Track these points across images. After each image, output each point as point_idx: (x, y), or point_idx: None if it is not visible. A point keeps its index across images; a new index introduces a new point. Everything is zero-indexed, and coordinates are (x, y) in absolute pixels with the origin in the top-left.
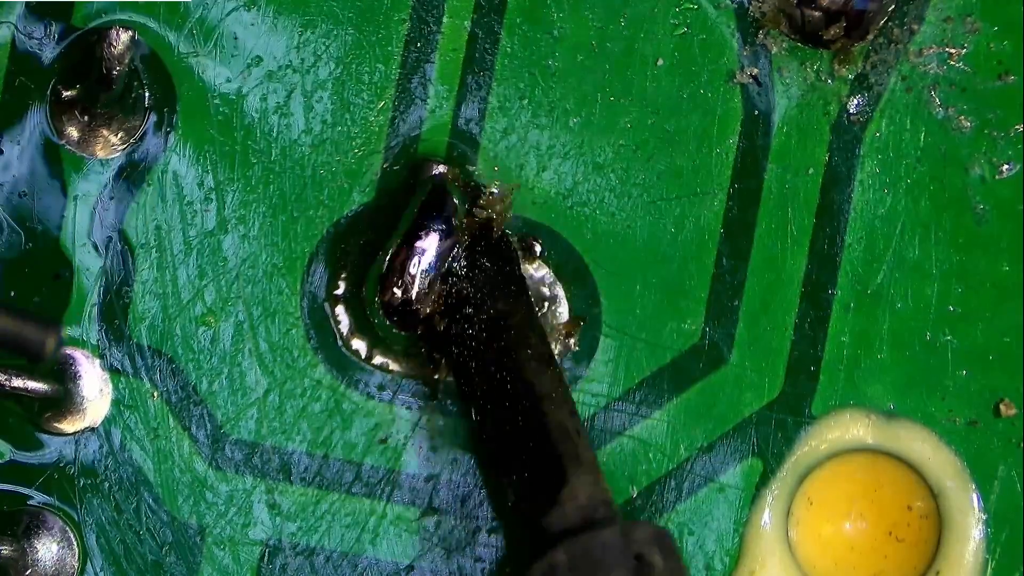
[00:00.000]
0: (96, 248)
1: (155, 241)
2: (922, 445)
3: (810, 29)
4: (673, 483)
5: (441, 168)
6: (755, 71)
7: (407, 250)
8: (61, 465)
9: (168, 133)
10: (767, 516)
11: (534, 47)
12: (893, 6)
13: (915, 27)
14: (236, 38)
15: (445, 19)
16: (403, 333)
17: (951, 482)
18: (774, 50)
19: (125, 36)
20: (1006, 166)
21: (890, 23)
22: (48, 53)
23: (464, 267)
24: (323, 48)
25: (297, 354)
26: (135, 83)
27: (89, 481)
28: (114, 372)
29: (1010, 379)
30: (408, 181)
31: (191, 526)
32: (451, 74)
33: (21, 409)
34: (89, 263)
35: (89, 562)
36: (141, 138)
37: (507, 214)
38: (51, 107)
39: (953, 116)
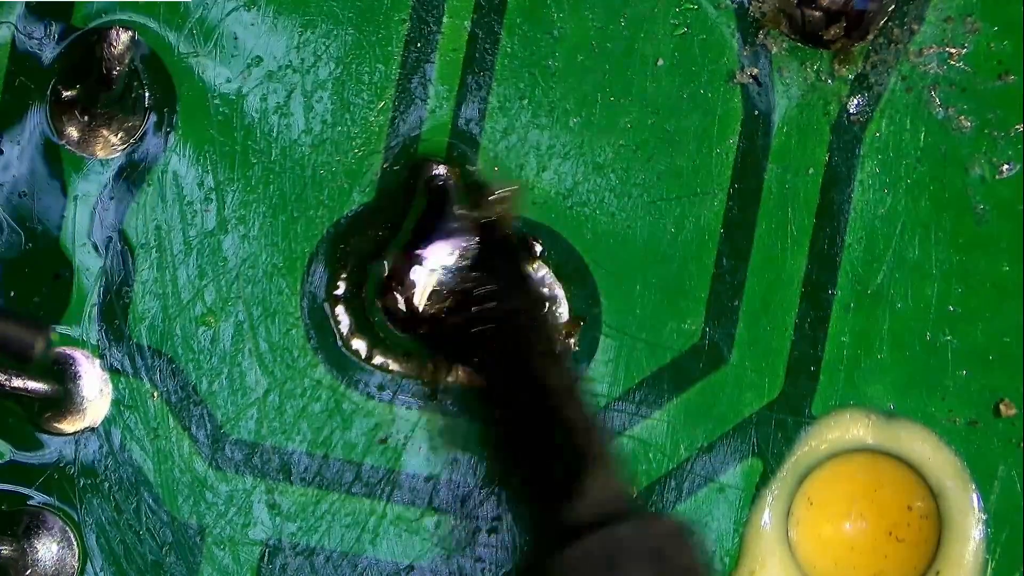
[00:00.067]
0: (96, 248)
1: (155, 241)
2: (922, 445)
3: (810, 29)
4: (673, 483)
5: (441, 168)
6: (755, 71)
7: (409, 255)
8: (61, 465)
9: (168, 133)
10: (767, 516)
11: (534, 47)
12: (893, 6)
13: (915, 27)
14: (236, 38)
15: (445, 19)
16: (404, 335)
17: (951, 482)
18: (774, 50)
19: (125, 36)
20: (1006, 166)
21: (890, 23)
22: (48, 53)
23: (471, 266)
24: (323, 48)
25: (297, 354)
26: (135, 83)
27: (89, 481)
28: (114, 372)
29: (1010, 379)
30: (408, 181)
31: (191, 526)
32: (451, 74)
33: (21, 409)
34: (89, 263)
35: (89, 562)
36: (141, 138)
37: (512, 213)
38: (51, 107)
39: (953, 116)
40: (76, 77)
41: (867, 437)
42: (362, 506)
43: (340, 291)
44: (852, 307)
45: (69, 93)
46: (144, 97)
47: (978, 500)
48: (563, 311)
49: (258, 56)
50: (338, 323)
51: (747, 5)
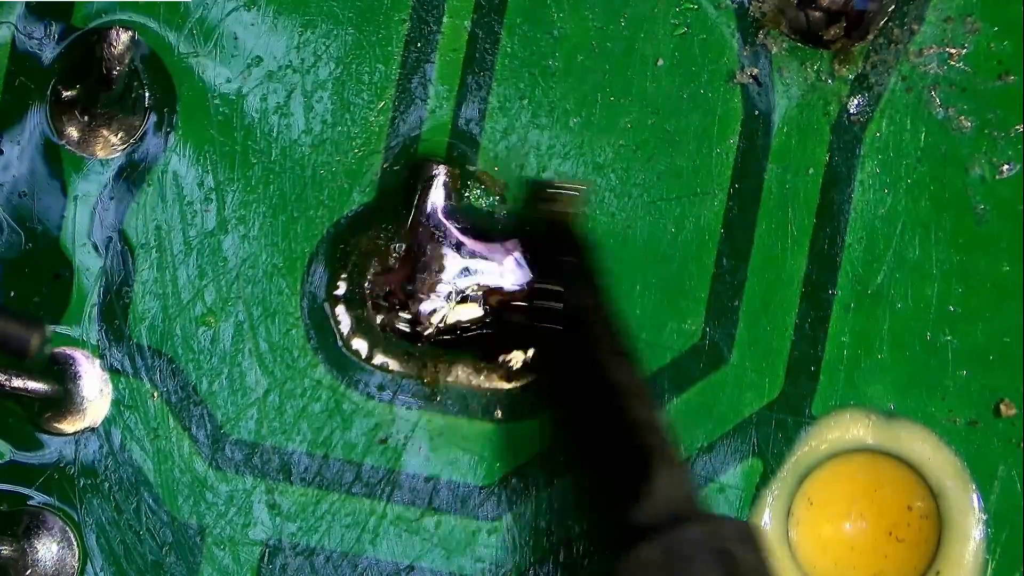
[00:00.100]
0: (96, 248)
1: (155, 241)
2: (922, 445)
3: (811, 29)
4: None
5: (441, 168)
6: (755, 71)
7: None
8: (61, 465)
9: (168, 133)
10: (767, 516)
11: (534, 47)
12: (893, 6)
13: (915, 27)
14: (236, 38)
15: (445, 19)
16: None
17: (951, 482)
18: (774, 50)
19: (125, 36)
20: (1006, 166)
21: (890, 23)
22: (48, 53)
23: (539, 266)
24: (323, 48)
25: (297, 354)
26: (135, 83)
27: (89, 481)
28: (114, 372)
29: (1010, 379)
30: (408, 181)
31: (191, 526)
32: (451, 74)
33: (21, 409)
34: (89, 263)
35: (89, 562)
36: (141, 138)
37: (579, 211)
38: (51, 107)
39: (953, 116)
40: (76, 77)
41: (867, 437)
42: (362, 506)
43: (340, 291)
44: (852, 307)
45: (69, 93)
46: (144, 97)
47: (978, 500)
48: None
49: (258, 56)
50: (338, 323)
51: (747, 5)
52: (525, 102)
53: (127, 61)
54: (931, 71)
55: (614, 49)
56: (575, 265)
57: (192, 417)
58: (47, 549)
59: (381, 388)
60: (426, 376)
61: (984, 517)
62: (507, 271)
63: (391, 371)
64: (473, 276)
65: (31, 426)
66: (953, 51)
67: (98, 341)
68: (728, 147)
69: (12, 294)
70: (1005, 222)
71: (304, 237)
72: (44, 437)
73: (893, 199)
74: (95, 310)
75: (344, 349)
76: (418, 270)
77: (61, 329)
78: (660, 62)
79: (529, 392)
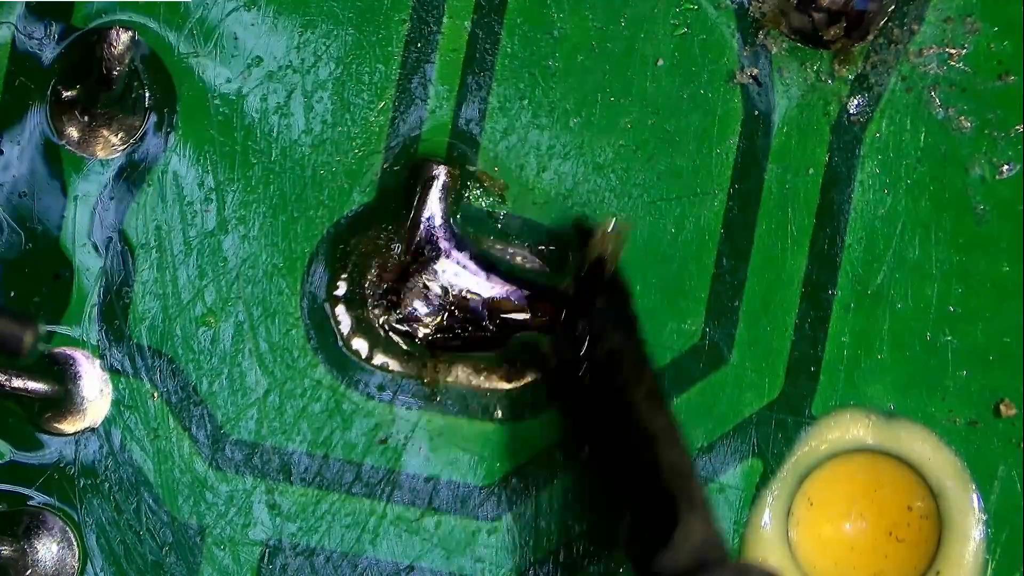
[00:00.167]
0: (96, 248)
1: (155, 241)
2: (922, 445)
3: (811, 29)
4: None
5: (442, 168)
6: (755, 71)
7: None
8: (61, 465)
9: (168, 133)
10: (767, 516)
11: (534, 47)
12: (893, 6)
13: (915, 27)
14: (236, 38)
15: (445, 19)
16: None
17: (951, 482)
18: (774, 50)
19: (125, 36)
20: (1006, 166)
21: (890, 23)
22: (48, 53)
23: (579, 305)
24: (323, 48)
25: (297, 354)
26: (135, 83)
27: (89, 481)
28: (114, 372)
29: (1010, 379)
30: (408, 181)
31: (191, 526)
32: (451, 74)
33: (21, 409)
34: (89, 263)
35: (89, 562)
36: (141, 138)
37: (620, 253)
38: (51, 107)
39: (953, 116)
40: (76, 77)
41: (867, 437)
42: (362, 506)
43: (340, 291)
44: (852, 307)
45: (69, 93)
46: (144, 97)
47: (978, 500)
48: None
49: (258, 56)
50: (338, 323)
51: (747, 5)
52: (525, 102)
53: (127, 61)
54: (931, 71)
55: (614, 49)
56: (610, 307)
57: (192, 417)
58: (47, 549)
59: (381, 388)
60: (426, 376)
61: (984, 517)
62: (495, 284)
63: (391, 371)
64: (468, 280)
65: (31, 426)
66: (953, 51)
67: (98, 341)
68: (728, 147)
69: (12, 294)
70: (1005, 222)
71: (304, 237)
72: (44, 437)
73: (893, 199)
74: (95, 310)
75: (344, 349)
76: (414, 270)
77: (61, 329)
78: (660, 62)
79: (529, 392)
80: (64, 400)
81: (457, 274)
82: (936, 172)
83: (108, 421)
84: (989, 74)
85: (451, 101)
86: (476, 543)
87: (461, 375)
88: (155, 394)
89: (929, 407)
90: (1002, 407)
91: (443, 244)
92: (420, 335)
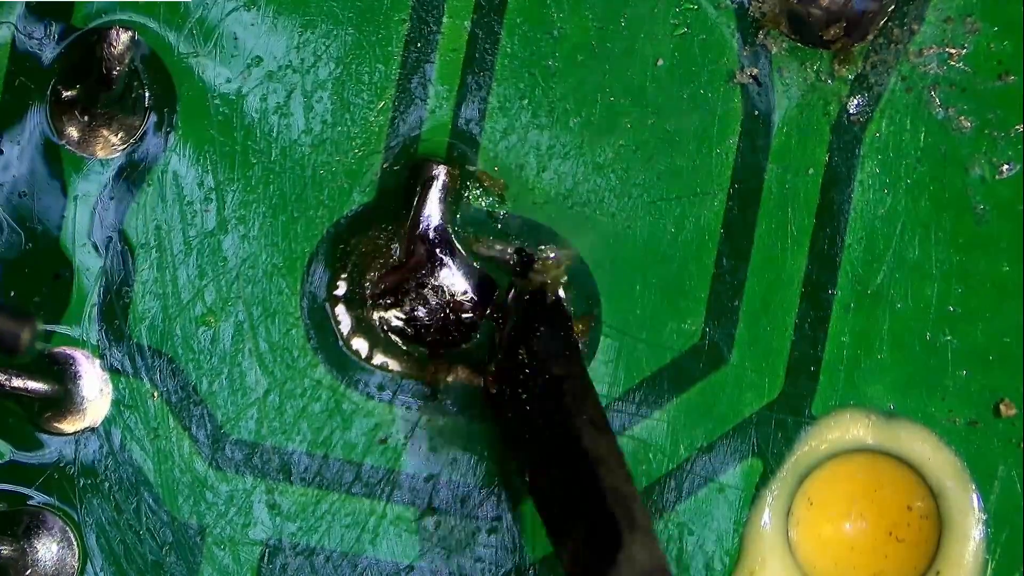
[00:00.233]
0: (96, 248)
1: (155, 241)
2: (922, 445)
3: (811, 29)
4: (673, 483)
5: (441, 168)
6: (755, 71)
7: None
8: (61, 465)
9: (168, 133)
10: (767, 516)
11: (534, 47)
12: (893, 6)
13: (915, 27)
14: (236, 38)
15: (445, 19)
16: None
17: (951, 482)
18: (774, 50)
19: (125, 36)
20: (1006, 166)
21: (890, 23)
22: (48, 53)
23: (518, 335)
24: (323, 48)
25: (297, 354)
26: (135, 83)
27: (89, 481)
28: (114, 372)
29: (1010, 379)
30: (408, 181)
31: (191, 526)
32: (451, 74)
33: (21, 409)
34: (89, 263)
35: (89, 562)
36: (141, 138)
37: (562, 279)
38: (51, 107)
39: (953, 116)
40: (76, 77)
41: (867, 437)
42: (362, 506)
43: (340, 291)
44: (852, 307)
45: (69, 93)
46: (144, 97)
47: (978, 500)
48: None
49: (258, 56)
50: (338, 323)
51: (747, 5)
52: (525, 102)
53: (127, 61)
54: (931, 71)
55: (614, 49)
56: (553, 334)
57: (192, 417)
58: (47, 549)
59: (381, 388)
60: (426, 376)
61: (984, 517)
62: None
63: (391, 371)
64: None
65: (31, 426)
66: (953, 51)
67: (98, 341)
68: (728, 147)
69: (12, 294)
70: (1005, 222)
71: (304, 237)
72: (44, 437)
73: (893, 199)
74: (95, 310)
75: (344, 349)
76: (414, 270)
77: (61, 329)
78: (660, 62)
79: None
80: (64, 400)
81: (456, 275)
82: (936, 172)
83: (108, 421)
84: (989, 74)
85: (451, 101)
86: (476, 543)
87: (461, 375)
88: (155, 394)
89: (929, 407)
90: (1002, 407)
91: (443, 244)
92: (420, 335)
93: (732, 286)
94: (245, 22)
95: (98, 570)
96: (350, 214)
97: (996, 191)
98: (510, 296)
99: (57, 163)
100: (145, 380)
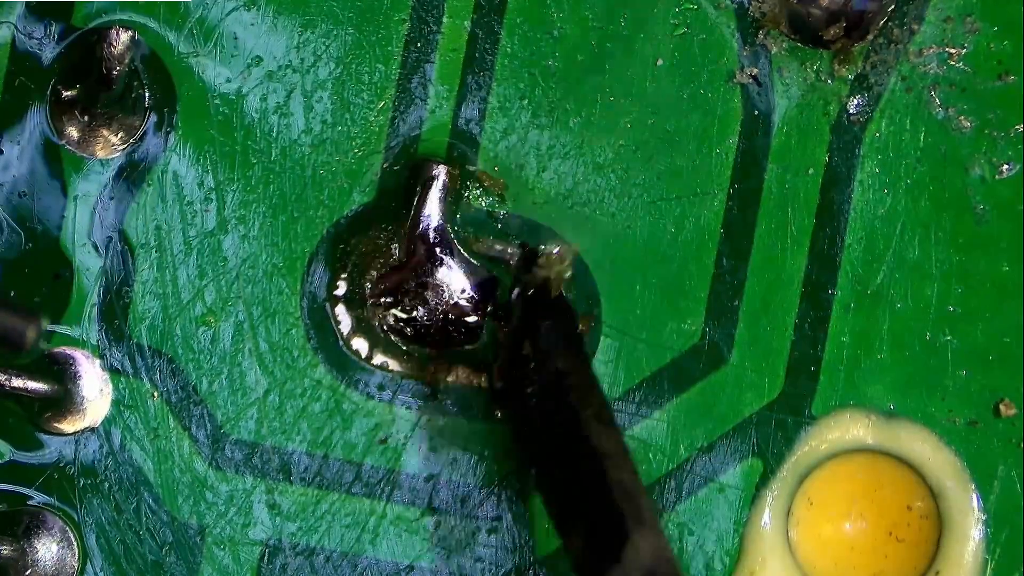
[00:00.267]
0: (96, 248)
1: (155, 241)
2: (922, 445)
3: (811, 29)
4: (673, 483)
5: (442, 168)
6: (755, 71)
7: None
8: (61, 465)
9: (168, 133)
10: (767, 516)
11: (534, 47)
12: (893, 6)
13: (915, 27)
14: (236, 38)
15: (445, 19)
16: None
17: (951, 482)
18: (774, 50)
19: (125, 36)
20: (1006, 166)
21: (890, 23)
22: (48, 53)
23: (521, 329)
24: (323, 48)
25: (297, 354)
26: (135, 83)
27: (89, 481)
28: (114, 372)
29: (1010, 379)
30: (408, 181)
31: (191, 526)
32: (451, 74)
33: (21, 409)
34: (89, 263)
35: (89, 562)
36: (141, 138)
37: (566, 274)
38: (51, 107)
39: (953, 116)
40: (76, 77)
41: (867, 437)
42: (362, 506)
43: (340, 291)
44: (852, 307)
45: (69, 93)
46: (144, 97)
47: (978, 500)
48: None
49: (258, 56)
50: (338, 323)
51: (747, 5)
52: (525, 102)
53: (127, 61)
54: (931, 71)
55: (614, 49)
56: (556, 329)
57: (192, 417)
58: (47, 549)
59: (381, 388)
60: (426, 376)
61: (984, 517)
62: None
63: (391, 371)
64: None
65: (31, 426)
66: (953, 51)
67: (98, 341)
68: (728, 147)
69: (12, 294)
70: (1005, 222)
71: (304, 237)
72: (44, 437)
73: (893, 199)
74: (95, 310)
75: (344, 349)
76: (413, 270)
77: (61, 329)
78: (660, 62)
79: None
80: (64, 400)
81: (456, 274)
82: (936, 172)
83: (108, 421)
84: (989, 74)
85: (451, 101)
86: (476, 543)
87: (461, 375)
88: (155, 394)
89: (929, 407)
90: (1002, 407)
91: (443, 244)
92: (420, 335)
93: (732, 286)
94: (245, 22)
95: (98, 570)
96: (350, 214)
97: (996, 191)
98: (514, 292)
99: (57, 163)
100: (145, 380)
